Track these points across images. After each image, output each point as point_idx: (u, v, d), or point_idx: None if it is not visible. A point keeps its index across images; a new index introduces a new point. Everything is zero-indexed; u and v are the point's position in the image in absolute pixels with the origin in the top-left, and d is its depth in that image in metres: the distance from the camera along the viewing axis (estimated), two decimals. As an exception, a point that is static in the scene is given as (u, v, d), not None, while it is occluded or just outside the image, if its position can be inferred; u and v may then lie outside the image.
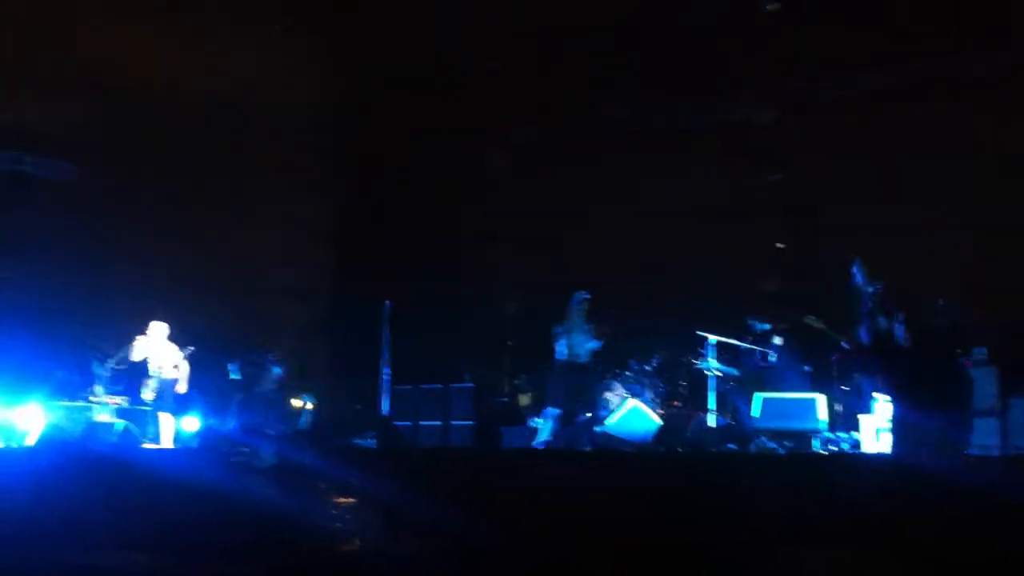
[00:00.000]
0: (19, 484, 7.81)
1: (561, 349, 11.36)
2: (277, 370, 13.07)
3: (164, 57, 14.23)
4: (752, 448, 10.67)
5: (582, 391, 11.50)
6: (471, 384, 13.23)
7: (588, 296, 11.45)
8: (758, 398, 11.12)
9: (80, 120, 14.63)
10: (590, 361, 11.39)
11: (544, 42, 13.72)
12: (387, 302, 12.93)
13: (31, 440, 11.45)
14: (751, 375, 12.09)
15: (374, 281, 14.45)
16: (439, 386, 13.25)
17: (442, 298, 14.93)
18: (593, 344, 11.30)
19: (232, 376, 13.13)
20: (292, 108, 15.39)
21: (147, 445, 11.88)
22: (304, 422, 13.53)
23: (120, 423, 12.22)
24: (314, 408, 13.94)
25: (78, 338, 13.96)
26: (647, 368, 12.38)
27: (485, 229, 15.57)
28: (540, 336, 13.31)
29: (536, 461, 9.21)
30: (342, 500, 7.64)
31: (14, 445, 11.41)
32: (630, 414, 11.34)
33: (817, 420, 10.85)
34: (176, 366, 12.47)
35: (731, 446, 10.87)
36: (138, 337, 12.42)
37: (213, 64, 14.35)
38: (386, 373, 12.58)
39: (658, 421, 11.37)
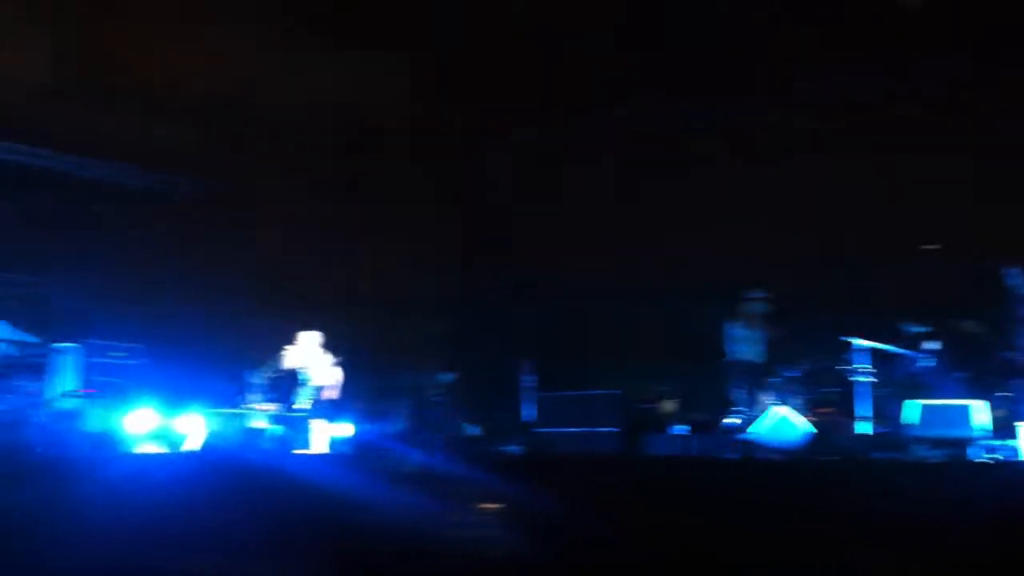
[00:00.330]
0: (180, 488, 8.16)
1: (737, 349, 11.15)
2: (445, 378, 13.23)
3: (288, 79, 14.67)
4: (908, 456, 10.28)
5: (756, 391, 11.33)
6: (615, 391, 13.14)
7: (764, 294, 11.20)
8: (914, 405, 10.70)
9: (215, 139, 15.22)
10: (763, 362, 11.15)
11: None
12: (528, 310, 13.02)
13: (191, 446, 11.91)
14: (904, 381, 11.66)
15: (516, 289, 14.53)
16: (582, 393, 13.22)
17: (584, 305, 14.90)
18: (764, 344, 11.05)
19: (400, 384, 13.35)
20: (411, 121, 15.62)
21: (300, 451, 12.22)
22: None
23: (275, 429, 12.65)
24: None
25: (234, 348, 14.53)
26: (795, 374, 12.08)
27: (627, 231, 15.44)
28: (685, 340, 13.20)
29: (681, 469, 9.09)
30: (488, 507, 7.71)
31: (175, 450, 11.89)
32: (779, 422, 11.08)
33: (975, 427, 10.37)
34: (328, 373, 12.78)
35: (884, 454, 10.49)
36: (290, 346, 12.78)
37: (336, 84, 14.72)
38: (529, 380, 12.63)
39: (808, 428, 11.07)
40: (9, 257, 17.93)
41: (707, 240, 14.18)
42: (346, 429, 12.95)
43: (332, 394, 12.78)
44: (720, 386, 12.61)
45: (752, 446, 10.89)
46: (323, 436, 12.49)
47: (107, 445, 12.22)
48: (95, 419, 13.27)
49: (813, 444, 10.77)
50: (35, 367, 15.79)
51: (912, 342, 11.85)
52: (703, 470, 8.82)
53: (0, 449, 12.88)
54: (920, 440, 10.40)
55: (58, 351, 15.60)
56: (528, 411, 12.74)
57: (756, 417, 11.47)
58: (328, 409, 12.69)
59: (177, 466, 10.31)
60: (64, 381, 15.08)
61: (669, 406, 13.31)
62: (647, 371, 14.30)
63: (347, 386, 13.05)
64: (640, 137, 14.77)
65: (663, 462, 10.64)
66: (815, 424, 11.27)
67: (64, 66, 14.99)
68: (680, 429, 11.97)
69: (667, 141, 14.61)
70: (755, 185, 14.22)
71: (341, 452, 12.31)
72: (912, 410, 10.62)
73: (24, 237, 18.09)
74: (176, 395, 13.08)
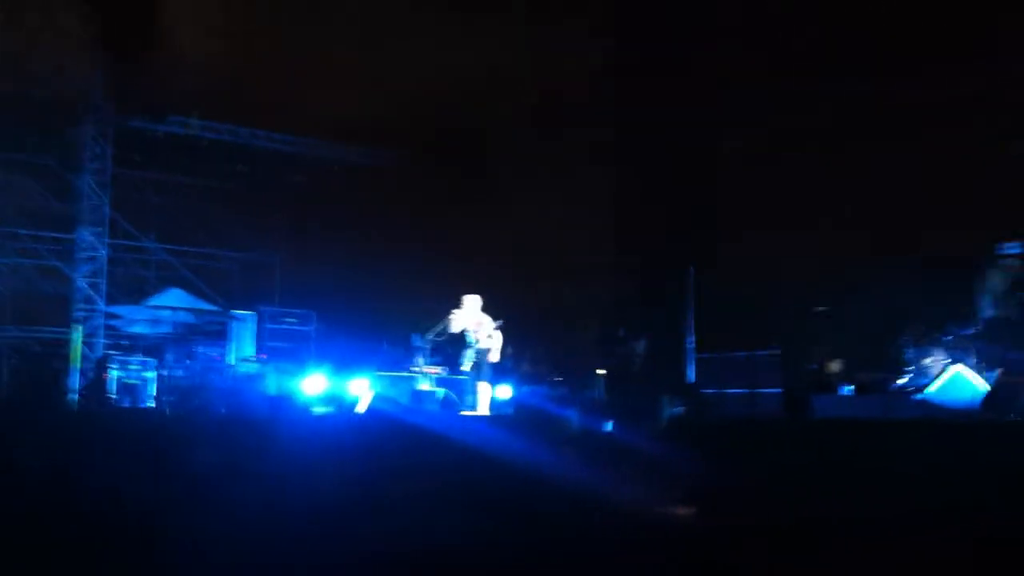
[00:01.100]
0: (351, 448, 8.48)
1: (986, 307, 10.75)
2: (638, 346, 13.19)
3: (464, 52, 14.86)
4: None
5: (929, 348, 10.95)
6: (778, 350, 12.90)
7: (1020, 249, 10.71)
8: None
9: (391, 111, 15.57)
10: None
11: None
12: (690, 268, 12.88)
13: (361, 408, 12.32)
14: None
15: (677, 250, 14.40)
16: (745, 353, 13.03)
17: (745, 264, 14.65)
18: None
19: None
20: (581, 86, 15.60)
21: (465, 412, 12.48)
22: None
23: (440, 391, 12.97)
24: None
25: (400, 313, 14.96)
26: (969, 332, 11.58)
27: (791, 191, 15.08)
28: (851, 300, 12.82)
29: (849, 431, 8.88)
30: (650, 470, 7.72)
31: (346, 413, 12.31)
32: (953, 380, 10.66)
33: None
34: (490, 336, 12.92)
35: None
36: (454, 310, 13.00)
37: (507, 52, 14.83)
38: (690, 341, 12.53)
39: (984, 387, 10.61)
40: (187, 228, 18.93)
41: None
42: (506, 391, 13.11)
43: (493, 357, 12.93)
44: (889, 344, 12.21)
45: (926, 406, 10.53)
46: (486, 398, 12.69)
47: (283, 407, 12.79)
48: (271, 383, 13.93)
49: (990, 404, 10.33)
50: (214, 334, 16.69)
51: None
52: (872, 432, 8.60)
53: (184, 412, 13.67)
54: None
55: (235, 318, 16.43)
56: (691, 373, 12.65)
57: (930, 376, 11.08)
58: (492, 372, 12.86)
59: (348, 427, 10.71)
60: (241, 347, 15.88)
61: (835, 366, 12.95)
62: (812, 330, 13.98)
63: (510, 349, 13.19)
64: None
65: (830, 424, 10.39)
66: (993, 383, 10.80)
67: (264, 44, 15.65)
68: (847, 389, 11.65)
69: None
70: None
71: (504, 414, 12.50)
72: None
73: (201, 210, 19.06)
74: (346, 359, 13.56)
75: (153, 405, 14.65)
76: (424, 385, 13.15)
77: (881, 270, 13.02)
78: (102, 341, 16.70)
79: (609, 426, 10.38)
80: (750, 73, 14.69)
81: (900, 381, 11.52)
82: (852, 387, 11.86)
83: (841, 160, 14.19)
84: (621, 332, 12.94)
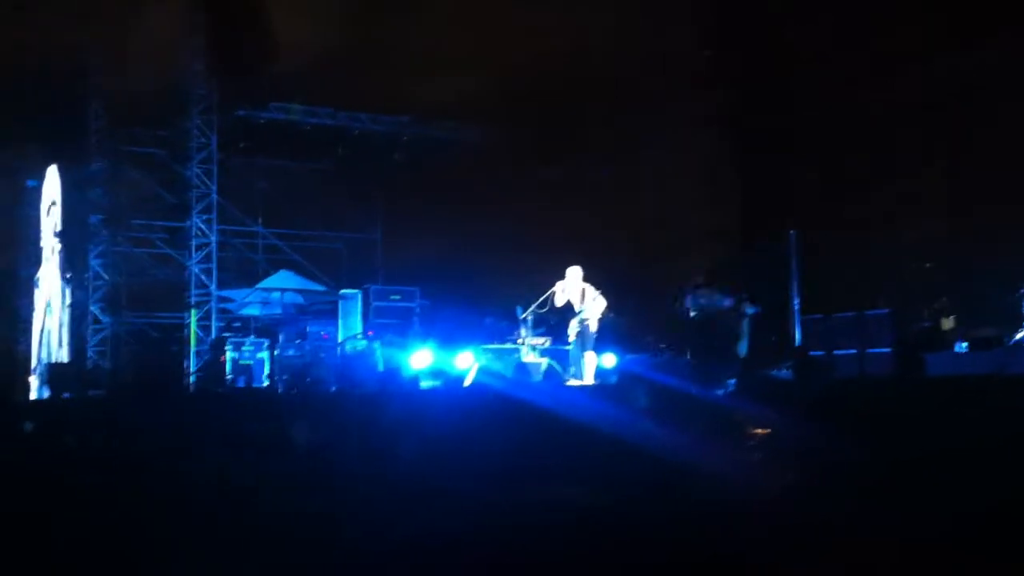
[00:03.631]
0: (460, 419, 8.63)
1: None
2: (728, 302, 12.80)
3: (556, 25, 14.84)
4: None
5: None
6: (888, 310, 12.59)
7: None
8: None
9: (488, 88, 15.66)
10: None
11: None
12: (792, 231, 12.67)
13: (468, 381, 12.48)
14: None
15: (780, 213, 14.18)
16: (854, 313, 12.75)
17: (851, 223, 14.34)
18: None
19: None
20: (677, 57, 15.43)
21: (571, 382, 12.54)
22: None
23: (545, 362, 13.05)
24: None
25: (503, 287, 15.07)
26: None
27: (896, 146, 14.68)
28: (960, 254, 12.46)
29: (965, 388, 8.67)
30: (760, 432, 7.68)
31: (454, 386, 12.49)
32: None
33: None
34: (594, 301, 12.83)
35: None
36: (557, 282, 13.00)
37: (595, 22, 14.76)
38: (796, 303, 12.35)
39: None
40: (292, 211, 19.38)
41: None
42: (610, 360, 13.05)
43: (597, 326, 12.87)
44: (1005, 299, 11.85)
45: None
46: (591, 367, 12.70)
47: (393, 382, 13.05)
48: (380, 359, 14.20)
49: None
50: (323, 313, 17.08)
51: None
52: (988, 389, 8.40)
53: (298, 388, 14.05)
54: None
55: (343, 297, 16.77)
56: (798, 335, 12.47)
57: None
58: (595, 341, 12.83)
59: (457, 400, 10.89)
60: (350, 325, 16.21)
61: (949, 322, 12.60)
62: (923, 287, 13.63)
63: (615, 318, 13.15)
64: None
65: (944, 382, 10.16)
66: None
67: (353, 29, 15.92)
68: (961, 347, 11.36)
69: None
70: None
71: (608, 383, 12.49)
72: None
73: (305, 193, 19.47)
74: (450, 334, 13.74)
75: (267, 384, 15.08)
76: (529, 356, 13.24)
77: (991, 222, 12.62)
78: (216, 324, 17.22)
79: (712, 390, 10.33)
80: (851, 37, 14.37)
81: (1018, 335, 11.18)
82: (966, 344, 11.55)
83: (947, 115, 13.78)
84: (700, 280, 12.60)
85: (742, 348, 12.34)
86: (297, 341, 15.59)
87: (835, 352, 12.66)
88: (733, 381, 11.06)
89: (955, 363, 11.12)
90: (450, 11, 15.78)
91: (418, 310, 16.63)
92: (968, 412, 6.88)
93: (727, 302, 12.29)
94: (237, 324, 17.42)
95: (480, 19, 15.41)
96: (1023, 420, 6.28)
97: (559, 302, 12.76)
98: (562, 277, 12.94)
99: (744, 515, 5.37)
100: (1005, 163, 12.92)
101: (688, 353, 12.55)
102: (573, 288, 12.82)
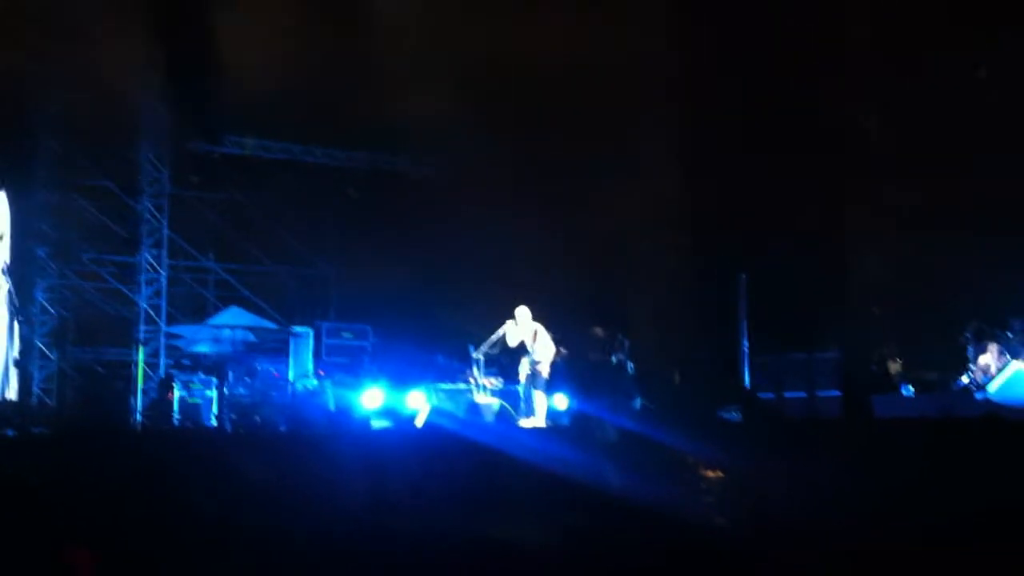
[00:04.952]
0: (409, 462, 8.55)
1: None
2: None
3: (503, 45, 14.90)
4: None
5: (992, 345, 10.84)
6: (836, 352, 12.76)
7: None
8: None
9: (442, 120, 15.66)
10: None
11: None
12: (742, 274, 12.81)
13: (418, 422, 12.41)
14: None
15: (729, 253, 14.32)
16: (803, 355, 12.89)
17: (801, 265, 14.52)
18: None
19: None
20: (632, 81, 15.55)
21: (523, 423, 12.52)
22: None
23: (496, 403, 13.02)
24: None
25: (455, 325, 15.04)
26: (1035, 327, 11.41)
27: (848, 193, 14.90)
28: (907, 298, 12.65)
29: (910, 431, 8.78)
30: (710, 474, 7.70)
31: (404, 426, 12.41)
32: (1015, 377, 10.50)
33: None
34: (546, 346, 12.94)
35: None
36: (508, 321, 13.05)
37: (553, 46, 14.83)
38: (745, 344, 12.46)
39: (1049, 385, 10.45)
40: (245, 246, 19.22)
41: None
42: (561, 401, 13.08)
43: (544, 369, 12.95)
44: (950, 343, 12.07)
45: (988, 405, 10.38)
46: (542, 408, 12.72)
47: (344, 422, 12.93)
48: (330, 398, 14.08)
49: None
50: (274, 351, 16.92)
51: None
52: (935, 431, 8.50)
53: (245, 428, 13.88)
54: None
55: (294, 335, 16.64)
56: (746, 376, 12.56)
57: (991, 374, 10.93)
58: (546, 382, 12.88)
59: (407, 440, 10.80)
60: (300, 363, 16.08)
61: (895, 366, 12.80)
62: (872, 330, 13.82)
63: (565, 359, 13.19)
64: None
65: (892, 424, 10.28)
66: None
67: (316, 61, 15.84)
68: (907, 389, 11.53)
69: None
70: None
71: (560, 424, 12.50)
72: None
73: (258, 227, 19.34)
74: (402, 373, 13.67)
75: (215, 424, 14.87)
76: (480, 397, 13.22)
77: (939, 269, 12.86)
78: (164, 361, 16.99)
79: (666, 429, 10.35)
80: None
81: (962, 380, 11.38)
82: (910, 387, 11.75)
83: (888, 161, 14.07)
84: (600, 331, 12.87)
85: (635, 402, 12.50)
86: (247, 379, 15.42)
87: (784, 394, 12.77)
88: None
89: (901, 406, 11.28)
90: (407, 44, 15.77)
91: (370, 348, 16.55)
92: (915, 454, 6.96)
93: (602, 355, 12.59)
94: (186, 362, 17.20)
95: (436, 51, 15.42)
96: (968, 462, 6.37)
97: (510, 342, 12.82)
98: (514, 317, 12.99)
99: (692, 553, 5.39)
100: (953, 211, 13.21)
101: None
102: (524, 328, 12.90)
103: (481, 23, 14.97)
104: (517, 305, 13.15)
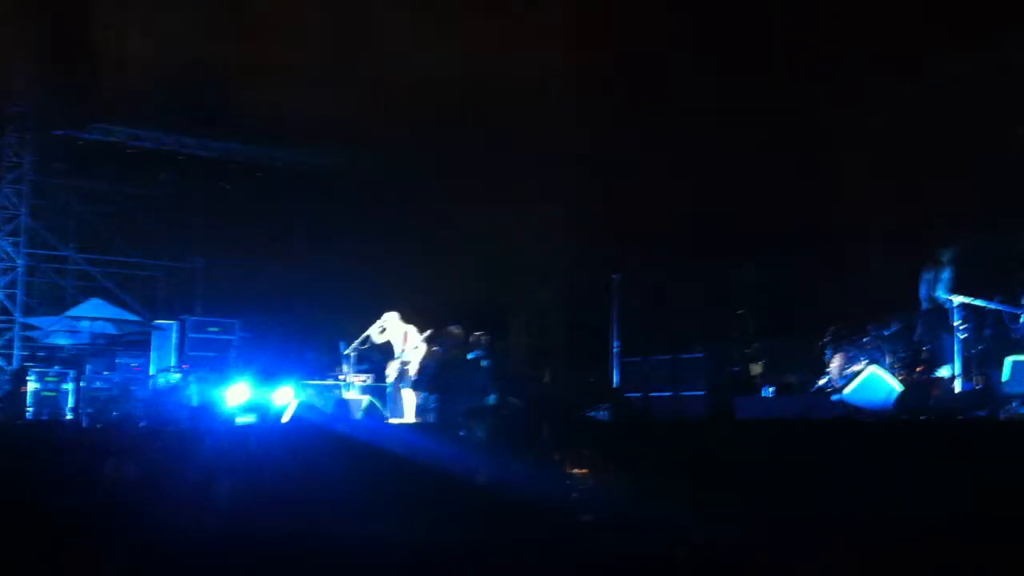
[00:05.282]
0: (277, 457, 8.42)
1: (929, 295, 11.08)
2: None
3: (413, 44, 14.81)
4: (1002, 415, 10.03)
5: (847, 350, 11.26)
6: (702, 354, 13.06)
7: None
8: (1008, 362, 10.41)
9: (321, 113, 15.44)
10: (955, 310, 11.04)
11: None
12: (615, 275, 12.98)
13: (286, 418, 12.21)
14: (1002, 338, 11.32)
15: (602, 255, 14.51)
16: (670, 357, 13.17)
17: (671, 268, 14.83)
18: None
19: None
20: (522, 84, 15.62)
21: (392, 420, 12.45)
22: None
23: (366, 400, 12.91)
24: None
25: (326, 322, 14.87)
26: (885, 333, 11.87)
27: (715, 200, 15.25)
28: (774, 301, 13.04)
29: (770, 430, 9.04)
30: (578, 471, 7.78)
31: (270, 422, 12.20)
32: (868, 380, 10.90)
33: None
34: (416, 347, 12.95)
35: (980, 413, 10.24)
36: (380, 319, 13.01)
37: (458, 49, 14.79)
38: (615, 345, 12.64)
39: (898, 387, 10.89)
40: (104, 237, 18.59)
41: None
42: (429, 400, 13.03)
43: (413, 368, 12.96)
44: (809, 346, 12.47)
45: (843, 406, 10.74)
46: (412, 406, 12.69)
47: (206, 418, 12.62)
48: (194, 393, 13.74)
49: (903, 403, 10.59)
50: (135, 344, 16.43)
51: (1013, 298, 11.46)
52: (793, 431, 8.76)
53: (105, 423, 13.43)
54: (1013, 397, 10.12)
55: (157, 328, 16.18)
56: (615, 376, 12.74)
57: (847, 377, 11.32)
58: (415, 380, 12.88)
59: (273, 437, 10.61)
60: (163, 357, 15.65)
61: (757, 368, 13.18)
62: (734, 333, 14.21)
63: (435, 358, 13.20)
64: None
65: (753, 425, 10.57)
66: (907, 383, 11.07)
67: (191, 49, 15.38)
68: (768, 391, 11.86)
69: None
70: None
71: (429, 422, 12.49)
72: (1007, 367, 10.35)
73: (124, 218, 18.74)
74: (270, 368, 13.43)
75: (71, 417, 14.36)
76: (349, 394, 13.09)
77: (802, 273, 13.29)
78: (19, 353, 16.34)
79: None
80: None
81: (820, 382, 11.76)
82: (771, 388, 12.09)
83: (763, 164, 14.45)
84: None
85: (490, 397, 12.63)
86: (105, 373, 14.94)
87: (651, 394, 13.00)
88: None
89: (761, 406, 11.59)
90: (282, 35, 15.49)
91: (237, 343, 16.21)
92: (776, 453, 7.16)
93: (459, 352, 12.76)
94: (42, 353, 16.56)
95: (312, 42, 15.19)
96: (828, 461, 6.58)
97: (378, 341, 12.81)
98: (384, 316, 12.98)
99: (556, 548, 5.44)
100: (819, 219, 13.67)
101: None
102: (392, 331, 12.90)
103: (360, 16, 14.82)
104: (389, 303, 13.12)
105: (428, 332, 13.12)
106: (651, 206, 15.41)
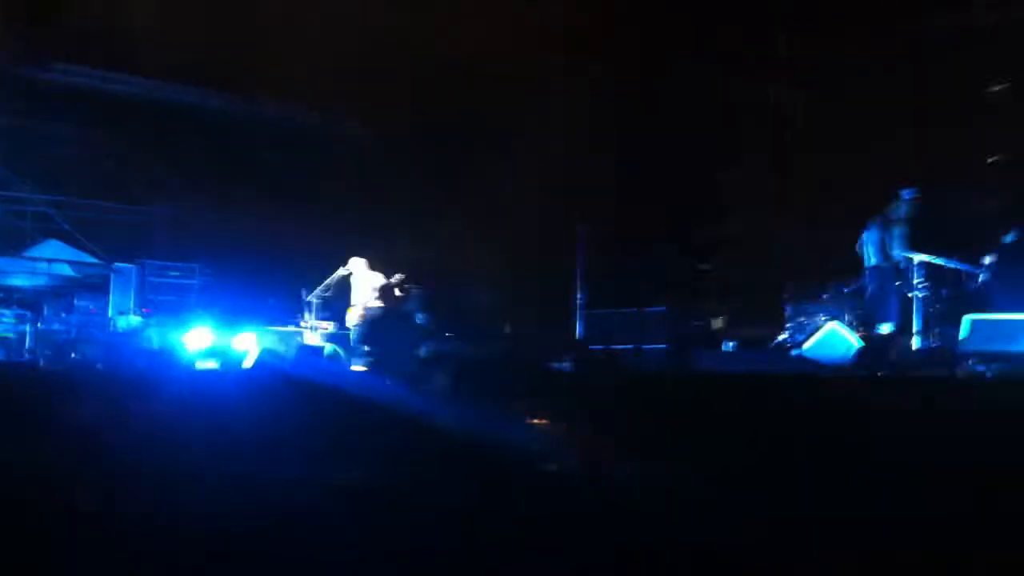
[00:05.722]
0: (237, 403, 8.38)
1: (875, 253, 11.13)
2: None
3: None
4: (959, 372, 10.18)
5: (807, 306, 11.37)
6: (664, 308, 13.14)
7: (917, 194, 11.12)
8: (966, 320, 10.54)
9: (293, 57, 15.25)
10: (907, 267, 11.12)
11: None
12: (580, 227, 13.00)
13: (247, 363, 12.17)
14: (961, 296, 11.44)
15: (565, 206, 14.51)
16: (634, 310, 13.23)
17: (634, 222, 14.85)
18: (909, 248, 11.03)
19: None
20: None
21: (354, 367, 12.43)
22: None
23: (329, 347, 12.87)
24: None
25: (289, 268, 14.76)
26: (845, 290, 11.99)
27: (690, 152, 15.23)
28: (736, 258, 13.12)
29: (727, 384, 9.13)
30: (538, 421, 7.82)
31: (232, 367, 12.16)
32: (828, 336, 11.03)
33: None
34: (376, 296, 12.89)
35: (937, 370, 10.39)
36: (343, 267, 12.94)
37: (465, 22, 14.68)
38: (579, 298, 12.68)
39: (857, 343, 11.02)
40: (66, 179, 18.28)
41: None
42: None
43: (360, 317, 12.92)
44: (771, 302, 12.59)
45: (803, 361, 10.87)
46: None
47: (165, 362, 12.54)
48: (154, 337, 13.63)
49: (862, 359, 10.72)
50: (94, 287, 16.22)
51: (971, 256, 11.56)
52: (752, 385, 8.85)
53: (62, 366, 13.29)
54: (969, 355, 10.26)
55: (117, 271, 15.99)
56: (579, 328, 12.81)
57: (807, 332, 11.44)
58: (356, 330, 12.87)
59: (233, 382, 10.56)
60: (123, 300, 15.48)
61: (719, 322, 13.29)
62: (697, 287, 14.30)
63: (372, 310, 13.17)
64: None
65: (713, 378, 10.67)
66: (866, 339, 11.21)
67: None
68: (729, 345, 11.98)
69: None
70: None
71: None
72: (965, 325, 10.48)
73: (83, 160, 18.42)
74: (232, 313, 13.34)
75: (28, 358, 14.21)
76: (312, 340, 13.05)
77: (765, 227, 13.38)
78: (-24, 294, 16.07)
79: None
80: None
81: (780, 337, 11.89)
82: (732, 343, 12.23)
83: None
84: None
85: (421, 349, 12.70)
86: (63, 315, 14.77)
87: (613, 347, 13.08)
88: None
89: (722, 360, 11.71)
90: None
91: (198, 288, 16.07)
92: (735, 406, 7.23)
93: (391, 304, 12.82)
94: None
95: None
96: (780, 414, 6.65)
97: (342, 289, 12.78)
98: (347, 264, 12.92)
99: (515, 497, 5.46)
100: (783, 170, 13.75)
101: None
102: (359, 278, 12.84)
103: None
104: (353, 252, 13.06)
105: (400, 276, 13.07)
106: (619, 159, 15.42)
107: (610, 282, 13.54)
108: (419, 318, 12.64)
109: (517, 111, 15.82)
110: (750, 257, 14.14)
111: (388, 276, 13.14)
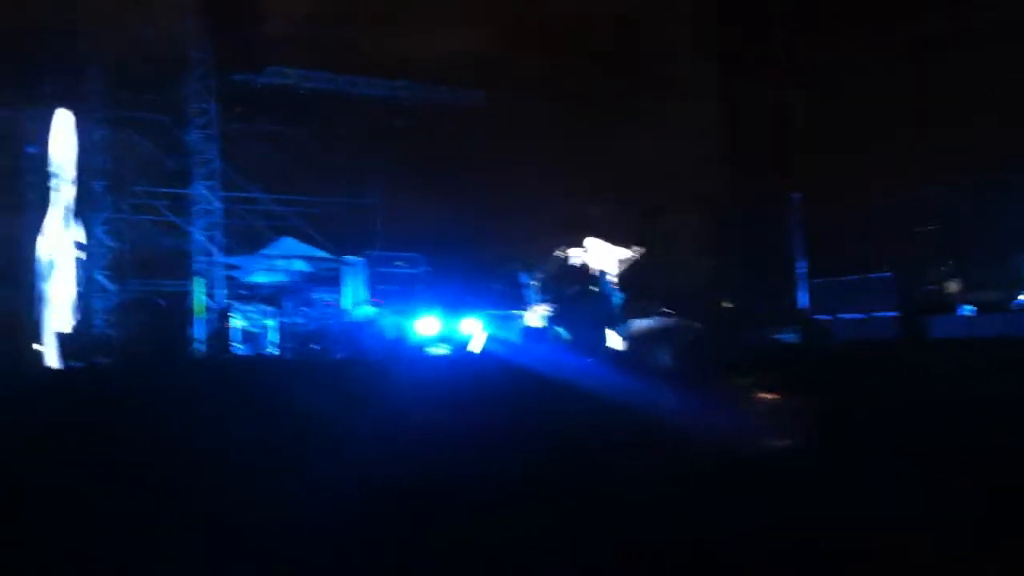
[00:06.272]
0: (462, 385, 8.70)
1: None
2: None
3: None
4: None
5: None
6: (891, 273, 12.65)
7: None
8: None
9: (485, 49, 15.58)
10: None
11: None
12: (796, 195, 12.70)
13: (474, 347, 12.54)
14: None
15: (782, 176, 14.19)
16: (858, 277, 12.81)
17: (855, 187, 14.35)
18: None
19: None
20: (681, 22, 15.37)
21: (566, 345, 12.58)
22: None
23: (550, 329, 13.11)
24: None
25: (508, 253, 15.09)
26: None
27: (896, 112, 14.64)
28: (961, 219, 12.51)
29: (970, 351, 8.77)
30: (767, 396, 7.73)
31: (460, 352, 12.57)
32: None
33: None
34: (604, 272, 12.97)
35: None
36: (560, 249, 13.10)
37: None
38: (801, 266, 12.40)
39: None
40: (293, 177, 19.28)
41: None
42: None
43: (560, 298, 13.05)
44: (1009, 261, 11.94)
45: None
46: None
47: (401, 349, 13.10)
48: (386, 326, 14.25)
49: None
50: (328, 280, 17.08)
51: None
52: (993, 351, 8.49)
53: (306, 355, 14.09)
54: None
55: (346, 264, 16.77)
56: (803, 298, 12.52)
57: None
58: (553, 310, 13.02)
59: (464, 366, 10.94)
60: (355, 292, 16.24)
61: (953, 286, 12.65)
62: (927, 250, 13.68)
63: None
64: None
65: (949, 344, 10.25)
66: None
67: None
68: (967, 310, 11.42)
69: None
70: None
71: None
72: None
73: (305, 158, 19.38)
74: (456, 300, 13.79)
75: (274, 351, 15.10)
76: (535, 322, 13.31)
77: (997, 186, 12.68)
78: (222, 291, 17.17)
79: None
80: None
81: (1021, 298, 11.26)
82: (971, 307, 11.64)
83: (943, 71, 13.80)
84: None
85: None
86: (303, 309, 15.60)
87: (840, 316, 12.71)
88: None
89: (960, 326, 11.19)
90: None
91: (422, 276, 16.66)
92: (976, 373, 6.97)
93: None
94: (243, 292, 17.39)
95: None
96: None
97: (566, 269, 12.92)
98: (570, 244, 13.06)
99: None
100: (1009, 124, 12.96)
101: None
102: (593, 258, 12.96)
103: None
104: (570, 232, 13.20)
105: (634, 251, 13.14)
106: (833, 123, 14.94)
107: (831, 250, 13.17)
108: (614, 299, 12.73)
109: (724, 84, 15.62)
110: (983, 215, 13.40)
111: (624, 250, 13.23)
